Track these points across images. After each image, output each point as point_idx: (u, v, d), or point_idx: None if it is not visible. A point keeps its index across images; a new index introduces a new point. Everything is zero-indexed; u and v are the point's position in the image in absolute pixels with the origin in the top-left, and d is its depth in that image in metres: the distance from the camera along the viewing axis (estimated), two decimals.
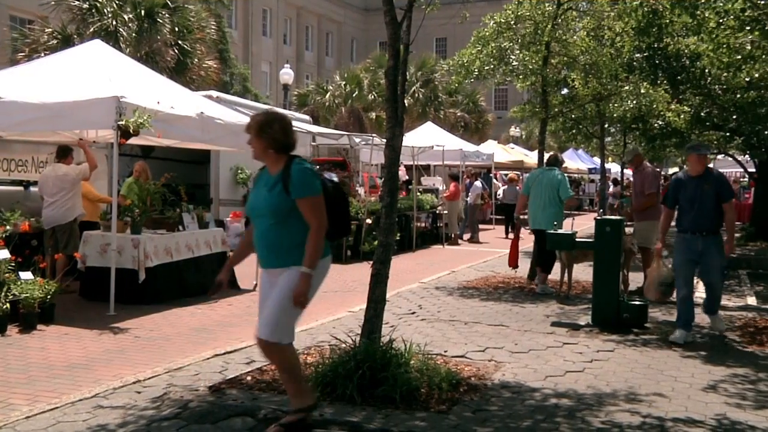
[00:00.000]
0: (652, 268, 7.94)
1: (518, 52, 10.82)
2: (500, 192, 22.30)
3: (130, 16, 20.67)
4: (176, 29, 21.46)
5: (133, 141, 8.99)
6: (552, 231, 9.15)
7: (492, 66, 10.97)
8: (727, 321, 8.37)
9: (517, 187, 20.68)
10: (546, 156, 11.65)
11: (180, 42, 21.55)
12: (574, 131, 18.96)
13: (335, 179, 4.58)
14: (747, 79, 10.32)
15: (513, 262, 11.18)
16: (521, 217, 11.03)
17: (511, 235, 20.95)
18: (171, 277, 9.71)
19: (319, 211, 4.28)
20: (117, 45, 18.22)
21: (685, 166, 8.68)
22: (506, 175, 30.52)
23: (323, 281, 4.48)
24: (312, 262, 4.24)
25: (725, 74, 10.71)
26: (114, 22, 20.35)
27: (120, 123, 8.16)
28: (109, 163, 11.47)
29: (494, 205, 25.27)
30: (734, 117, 14.41)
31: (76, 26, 20.93)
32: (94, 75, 8.95)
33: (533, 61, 10.66)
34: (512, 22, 10.80)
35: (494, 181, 26.76)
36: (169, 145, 11.62)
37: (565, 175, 10.56)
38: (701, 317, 7.90)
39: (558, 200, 10.08)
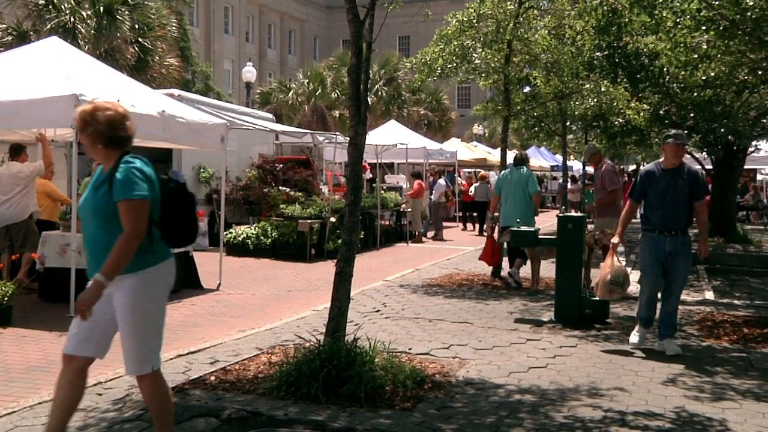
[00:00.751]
0: (605, 264, 7.28)
1: (480, 50, 10.87)
2: (471, 189, 22.72)
3: (89, 12, 20.32)
4: (136, 26, 21.16)
5: None
6: (515, 228, 9.26)
7: (455, 64, 11.01)
8: (685, 315, 8.53)
9: (488, 185, 20.84)
10: (511, 154, 11.79)
11: (140, 39, 21.26)
12: (536, 129, 19.12)
13: (181, 180, 4.16)
14: (703, 78, 10.53)
15: (493, 261, 11.11)
16: (495, 215, 11.23)
17: (473, 231, 21.32)
18: None
19: (134, 216, 3.75)
20: (75, 42, 17.91)
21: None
22: (468, 172, 30.73)
23: (166, 291, 4.07)
24: (110, 271, 3.72)
25: (683, 73, 10.90)
26: (72, 19, 19.99)
27: None
28: (69, 162, 11.27)
29: (458, 202, 25.42)
30: (692, 115, 14.66)
31: (32, 22, 20.53)
32: (51, 72, 8.78)
33: (495, 59, 10.73)
34: (474, 21, 10.85)
35: (457, 179, 26.93)
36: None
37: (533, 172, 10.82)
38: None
39: (528, 198, 10.44)
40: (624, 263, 7.02)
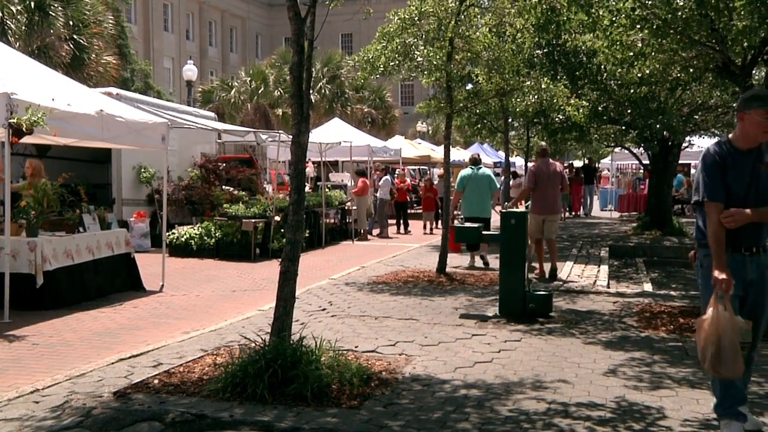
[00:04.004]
0: (708, 320, 4.26)
1: (423, 48, 10.91)
2: (435, 181, 23.22)
3: (19, 8, 19.70)
4: (71, 23, 20.62)
5: (27, 140, 8.60)
6: (459, 225, 9.42)
7: (397, 62, 11.03)
8: (625, 307, 8.74)
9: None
10: (454, 151, 12.00)
11: (75, 36, 20.72)
12: (479, 126, 19.34)
13: None
14: (639, 75, 10.78)
15: (457, 247, 12.53)
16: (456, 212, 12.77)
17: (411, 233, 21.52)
18: (72, 280, 9.36)
19: None
20: (5, 39, 17.38)
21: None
22: (413, 170, 30.87)
23: None
24: None
25: (619, 70, 11.15)
26: (0, 14, 19.35)
27: (11, 121, 7.79)
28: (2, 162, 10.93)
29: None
30: (629, 111, 15.06)
31: None
32: None
33: (437, 56, 10.78)
34: (416, 18, 10.89)
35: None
36: (68, 144, 11.18)
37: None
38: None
39: (489, 193, 12.32)
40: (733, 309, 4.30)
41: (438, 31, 10.86)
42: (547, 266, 11.16)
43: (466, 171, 12.58)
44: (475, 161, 12.81)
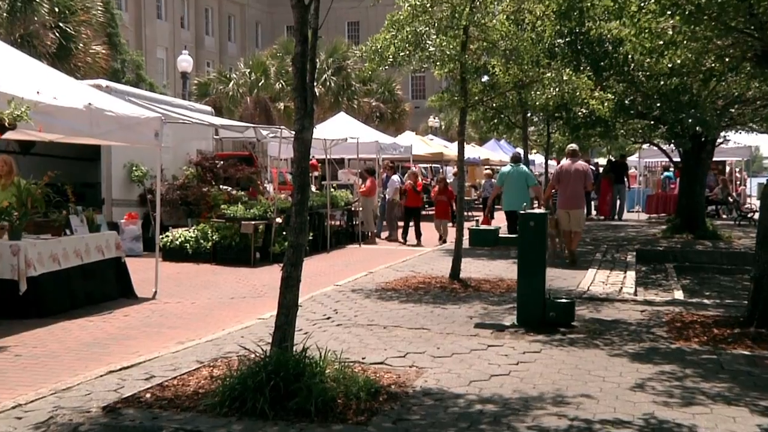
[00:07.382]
0: None
1: (435, 37, 10.90)
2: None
3: None
4: (56, 9, 20.73)
5: (9, 136, 8.64)
6: (475, 228, 9.46)
7: (407, 52, 11.02)
8: (654, 316, 8.72)
9: (492, 180, 21.72)
10: (468, 148, 11.98)
11: (61, 24, 20.85)
12: (495, 121, 19.33)
13: None
14: (669, 66, 10.74)
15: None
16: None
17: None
18: (58, 286, 9.40)
19: None
20: None
21: None
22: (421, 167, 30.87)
23: None
24: None
25: (648, 60, 11.11)
26: None
27: None
28: None
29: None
30: (658, 105, 15.01)
31: None
32: None
33: (451, 46, 10.78)
34: (428, 5, 10.87)
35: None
36: (53, 140, 11.23)
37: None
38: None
39: (527, 189, 14.22)
40: None
41: (451, 19, 10.85)
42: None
43: (506, 168, 15.14)
44: (516, 159, 15.20)
